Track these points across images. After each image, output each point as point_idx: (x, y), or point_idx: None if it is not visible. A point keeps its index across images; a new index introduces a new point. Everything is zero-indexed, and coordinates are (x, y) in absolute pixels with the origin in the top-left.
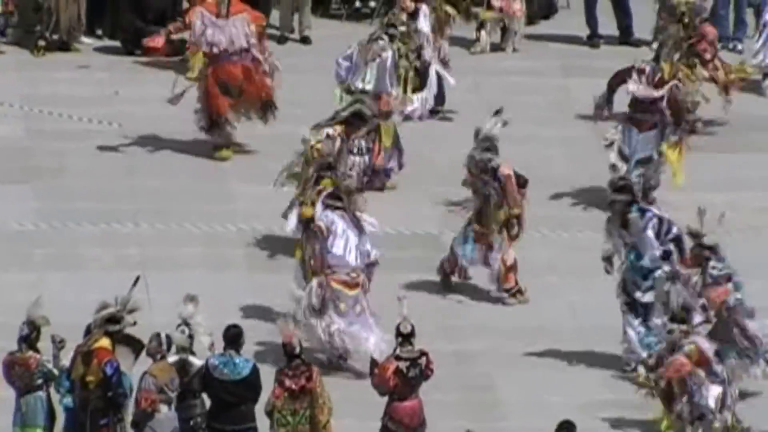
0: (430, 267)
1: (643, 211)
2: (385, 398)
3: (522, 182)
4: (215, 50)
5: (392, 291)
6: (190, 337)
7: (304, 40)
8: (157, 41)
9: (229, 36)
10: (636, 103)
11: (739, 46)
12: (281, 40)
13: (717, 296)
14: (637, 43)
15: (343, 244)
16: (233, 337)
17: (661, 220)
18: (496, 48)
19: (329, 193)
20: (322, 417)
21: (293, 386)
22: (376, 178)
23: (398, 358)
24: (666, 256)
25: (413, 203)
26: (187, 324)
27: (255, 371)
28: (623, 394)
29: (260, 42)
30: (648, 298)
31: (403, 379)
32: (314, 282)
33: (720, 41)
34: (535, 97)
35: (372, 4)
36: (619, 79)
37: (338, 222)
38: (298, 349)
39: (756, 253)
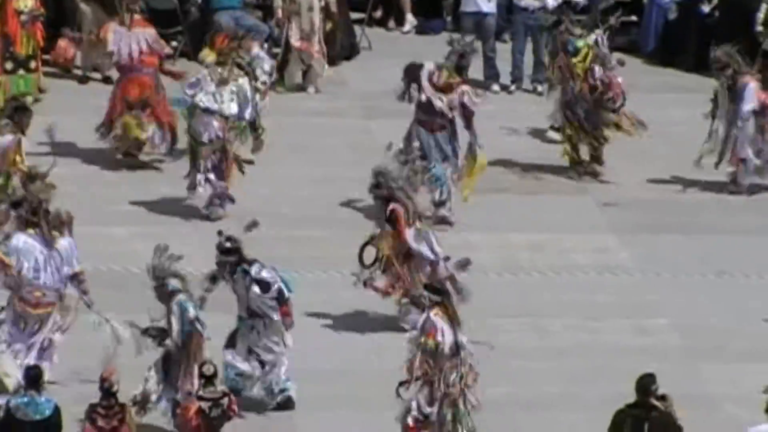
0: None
1: (245, 273)
2: None
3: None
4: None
5: None
6: None
7: (106, 79)
8: (68, 52)
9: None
10: (421, 105)
11: (539, 88)
12: (83, 79)
13: None
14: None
15: (33, 264)
16: (34, 378)
17: (259, 282)
18: (298, 88)
19: (18, 216)
20: None
21: (105, 426)
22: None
23: (201, 398)
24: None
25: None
26: None
27: (57, 411)
28: None
29: None
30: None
31: (205, 419)
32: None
33: (514, 83)
34: (337, 138)
35: (174, 43)
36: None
37: (28, 242)
38: (115, 388)
39: (556, 294)
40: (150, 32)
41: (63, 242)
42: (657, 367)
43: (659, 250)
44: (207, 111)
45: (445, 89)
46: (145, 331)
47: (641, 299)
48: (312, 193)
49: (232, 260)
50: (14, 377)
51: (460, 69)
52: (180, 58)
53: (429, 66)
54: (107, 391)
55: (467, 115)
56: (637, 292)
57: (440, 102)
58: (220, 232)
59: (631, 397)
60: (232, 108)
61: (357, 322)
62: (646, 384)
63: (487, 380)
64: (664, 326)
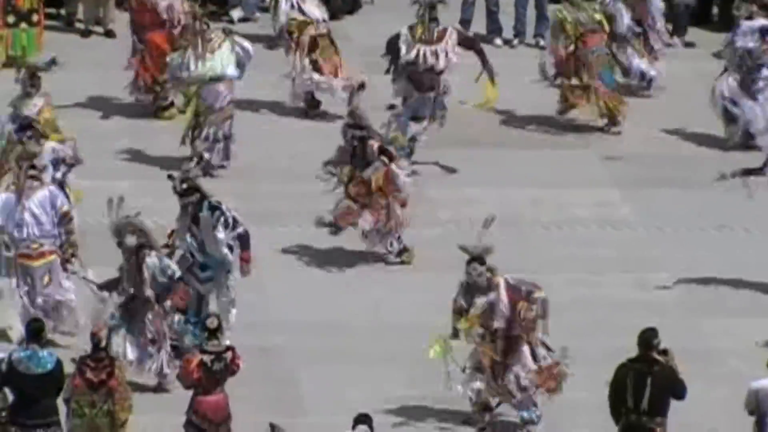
0: None
1: (213, 209)
2: (190, 392)
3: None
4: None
5: None
6: None
7: (108, 33)
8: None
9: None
10: (408, 65)
11: (542, 42)
12: (85, 33)
13: None
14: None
15: (18, 219)
16: (36, 331)
17: (226, 219)
18: None
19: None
20: (122, 414)
21: (94, 379)
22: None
23: (203, 351)
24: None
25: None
26: None
27: (59, 364)
28: (425, 389)
29: None
30: (205, 290)
31: (207, 372)
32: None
33: (517, 36)
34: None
35: None
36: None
37: (9, 198)
38: (104, 342)
39: (557, 248)
40: None
41: (41, 192)
42: (658, 321)
43: (661, 204)
44: (213, 80)
45: (436, 41)
46: (102, 287)
47: (642, 253)
48: (312, 148)
49: (194, 200)
50: (18, 330)
51: (434, 20)
52: None
53: (403, 30)
54: (96, 346)
55: (474, 46)
56: (638, 247)
57: (433, 57)
58: (170, 176)
59: (632, 352)
60: (232, 69)
61: (356, 276)
62: (648, 338)
63: None
64: (665, 280)
